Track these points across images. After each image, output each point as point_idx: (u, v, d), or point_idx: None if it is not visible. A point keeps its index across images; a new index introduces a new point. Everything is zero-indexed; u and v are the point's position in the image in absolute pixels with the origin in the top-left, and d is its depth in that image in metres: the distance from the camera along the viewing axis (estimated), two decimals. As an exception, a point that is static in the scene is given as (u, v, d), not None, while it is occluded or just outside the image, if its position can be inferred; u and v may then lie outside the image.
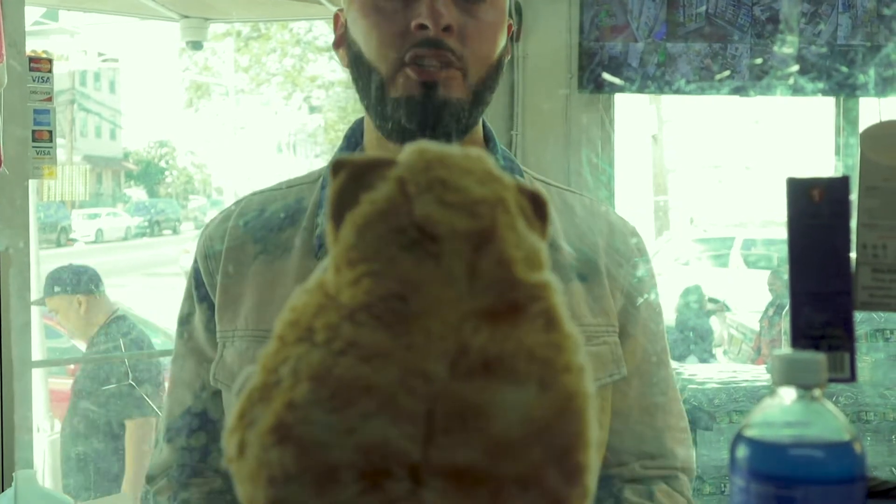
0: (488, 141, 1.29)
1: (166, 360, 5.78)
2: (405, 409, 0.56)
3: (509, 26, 1.25)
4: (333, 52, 1.30)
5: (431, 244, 0.60)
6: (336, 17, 1.27)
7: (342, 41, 1.25)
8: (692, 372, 2.93)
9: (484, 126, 1.28)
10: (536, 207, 0.65)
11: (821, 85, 2.96)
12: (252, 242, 1.27)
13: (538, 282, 0.61)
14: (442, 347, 0.58)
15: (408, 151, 0.64)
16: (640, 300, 1.28)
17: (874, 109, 3.22)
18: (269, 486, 0.56)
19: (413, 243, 0.60)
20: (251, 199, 1.33)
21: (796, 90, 2.96)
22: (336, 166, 0.63)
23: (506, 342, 0.59)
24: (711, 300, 8.84)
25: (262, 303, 1.23)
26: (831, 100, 3.23)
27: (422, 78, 1.14)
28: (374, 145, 1.25)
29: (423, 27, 1.13)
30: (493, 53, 1.19)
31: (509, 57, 1.26)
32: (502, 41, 1.22)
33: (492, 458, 0.56)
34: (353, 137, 1.30)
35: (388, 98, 1.16)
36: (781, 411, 0.70)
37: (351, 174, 0.63)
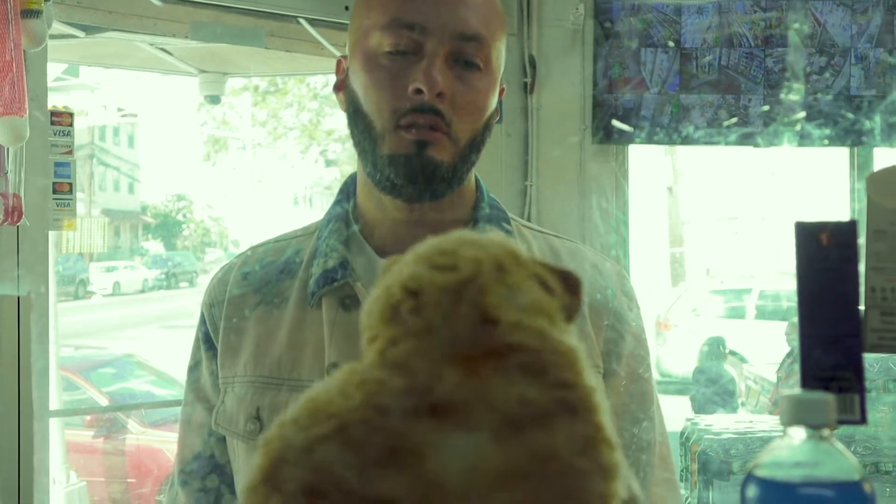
0: (478, 190, 1.33)
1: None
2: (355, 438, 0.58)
3: (501, 89, 1.29)
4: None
5: (412, 300, 0.63)
6: (339, 63, 1.31)
7: (343, 86, 1.29)
8: (709, 422, 2.91)
9: (475, 177, 1.33)
10: (568, 284, 0.67)
11: (827, 131, 2.98)
12: (252, 292, 1.30)
13: (529, 334, 0.62)
14: (411, 387, 0.60)
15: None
16: (624, 340, 1.29)
17: (888, 155, 3.23)
18: None
19: (398, 303, 0.64)
20: (254, 251, 1.37)
21: (803, 137, 2.98)
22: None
23: (468, 389, 0.59)
24: (731, 352, 8.78)
25: (259, 350, 1.26)
26: (845, 150, 3.24)
27: (414, 137, 1.18)
28: (364, 194, 1.30)
29: (418, 91, 1.18)
30: (481, 118, 1.24)
31: (498, 118, 1.30)
32: (492, 105, 1.26)
33: (419, 499, 0.57)
34: (347, 191, 1.34)
35: (380, 152, 1.21)
36: (791, 451, 0.71)
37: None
